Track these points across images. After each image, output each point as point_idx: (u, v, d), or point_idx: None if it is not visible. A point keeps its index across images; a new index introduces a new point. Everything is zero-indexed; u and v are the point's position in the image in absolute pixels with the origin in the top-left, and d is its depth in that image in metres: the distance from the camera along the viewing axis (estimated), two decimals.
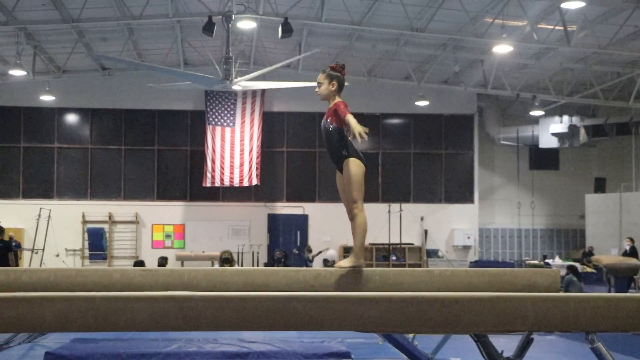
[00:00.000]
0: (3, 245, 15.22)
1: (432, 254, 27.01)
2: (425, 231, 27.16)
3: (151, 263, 20.98)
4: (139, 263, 19.10)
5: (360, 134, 5.69)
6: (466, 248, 27.52)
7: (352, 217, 5.94)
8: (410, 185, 27.68)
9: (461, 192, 27.82)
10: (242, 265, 22.51)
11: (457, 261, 26.71)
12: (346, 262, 5.69)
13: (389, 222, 24.90)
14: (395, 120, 28.05)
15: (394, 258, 25.97)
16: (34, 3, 17.72)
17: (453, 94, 26.54)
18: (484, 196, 28.78)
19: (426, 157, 27.86)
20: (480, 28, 19.59)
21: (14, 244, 23.19)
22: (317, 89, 6.25)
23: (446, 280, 5.68)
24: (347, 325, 4.26)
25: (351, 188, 5.93)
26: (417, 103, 25.90)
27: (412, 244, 26.93)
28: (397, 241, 25.44)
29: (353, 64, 24.48)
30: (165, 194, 26.66)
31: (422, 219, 27.05)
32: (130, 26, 20.55)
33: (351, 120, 5.87)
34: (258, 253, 25.53)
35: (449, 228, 27.50)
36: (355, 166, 5.98)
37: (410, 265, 25.00)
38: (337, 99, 6.21)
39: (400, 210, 25.09)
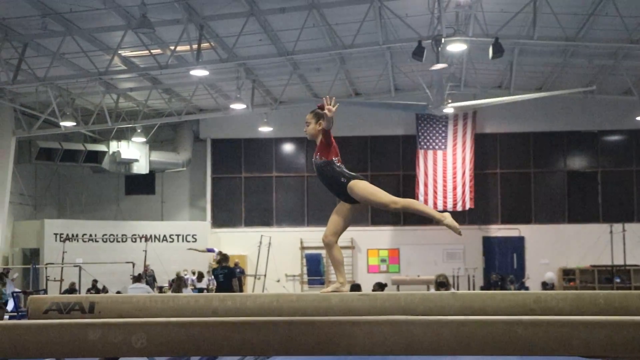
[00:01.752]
0: (228, 271, 15.84)
1: None
2: None
3: (367, 288, 21.22)
4: (355, 287, 19.33)
5: (329, 110, 5.79)
6: None
7: (329, 245, 6.02)
8: (633, 204, 26.30)
9: None
10: (458, 289, 22.26)
11: None
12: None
13: (612, 243, 23.77)
14: (615, 137, 26.83)
15: (618, 280, 24.71)
16: (252, 39, 18.58)
17: None
18: None
19: None
20: None
21: (238, 270, 24.29)
22: (305, 129, 6.21)
23: None
24: (571, 350, 4.09)
25: (376, 199, 5.97)
26: (638, 118, 24.62)
27: (638, 266, 25.49)
28: (621, 263, 24.22)
29: (568, 81, 23.73)
30: (379, 219, 26.94)
31: None
32: (341, 55, 21.04)
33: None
34: (474, 276, 25.18)
35: None
36: (361, 183, 6.03)
37: (637, 288, 23.67)
38: None
39: (624, 230, 23.88)
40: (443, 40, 17.63)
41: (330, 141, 6.12)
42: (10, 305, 19.32)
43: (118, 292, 21.24)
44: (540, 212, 26.58)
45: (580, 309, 5.22)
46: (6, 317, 18.02)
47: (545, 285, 24.29)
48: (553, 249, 25.75)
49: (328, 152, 6.14)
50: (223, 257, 16.38)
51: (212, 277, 21.03)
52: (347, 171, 6.15)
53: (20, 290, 20.44)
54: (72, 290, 20.71)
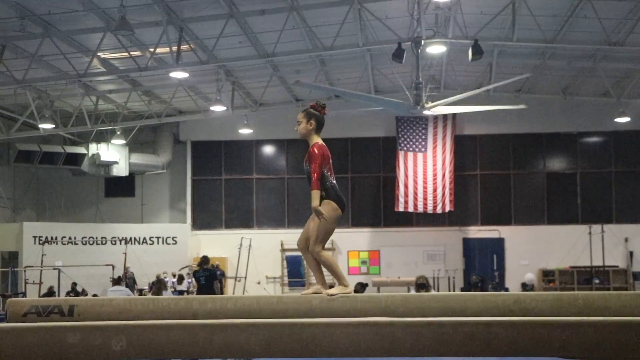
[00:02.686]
0: (210, 274, 15.88)
1: (639, 276, 25.63)
2: (631, 253, 25.81)
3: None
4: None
5: (319, 216, 5.78)
6: None
7: (304, 250, 5.98)
8: (612, 205, 26.47)
9: None
10: (438, 291, 22.32)
11: None
12: (335, 290, 5.65)
13: (590, 244, 23.93)
14: (594, 139, 27.00)
15: (597, 281, 24.88)
16: (232, 41, 18.55)
17: None
18: None
19: (630, 176, 26.57)
20: None
21: (218, 272, 24.25)
22: (296, 128, 6.27)
23: None
24: (550, 351, 4.12)
25: (319, 229, 5.85)
26: (616, 120, 24.78)
27: (617, 267, 25.68)
28: (600, 264, 24.38)
29: (547, 83, 23.87)
30: (359, 221, 26.98)
31: (626, 240, 25.76)
32: (321, 57, 21.05)
33: (314, 197, 5.91)
34: (454, 278, 25.25)
35: None
36: (328, 209, 5.92)
37: (615, 289, 23.83)
38: (315, 139, 6.23)
39: (602, 231, 24.03)
40: (423, 42, 17.71)
41: (320, 167, 6.08)
42: None
43: (94, 295, 21.17)
44: (519, 214, 26.70)
45: (559, 310, 5.25)
46: None
47: (525, 287, 24.41)
48: (532, 250, 25.87)
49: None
50: (204, 260, 16.39)
51: (192, 279, 21.02)
52: (330, 184, 6.08)
53: None
54: (50, 293, 20.59)
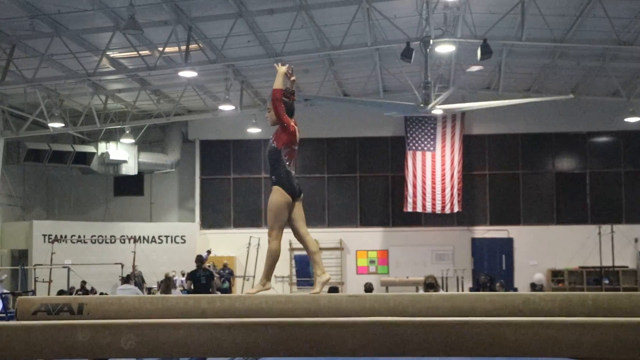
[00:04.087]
0: (209, 274, 16.05)
1: None
2: None
3: (356, 289, 21.26)
4: (333, 289, 19.34)
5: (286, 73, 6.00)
6: None
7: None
8: (621, 205, 26.38)
9: None
10: (446, 290, 22.30)
11: None
12: (253, 289, 6.01)
13: (600, 245, 23.85)
14: (604, 139, 26.92)
15: (606, 282, 24.81)
16: (240, 41, 18.57)
17: None
18: None
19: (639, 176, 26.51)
20: None
21: (227, 271, 24.31)
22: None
23: None
24: (560, 352, 4.11)
25: (268, 216, 6.01)
26: (626, 119, 24.70)
27: (627, 267, 25.59)
28: (609, 264, 24.31)
29: (556, 82, 23.80)
30: (368, 220, 26.98)
31: (636, 240, 25.67)
32: (330, 57, 21.05)
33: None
34: (462, 278, 25.21)
35: None
36: (276, 195, 5.99)
37: (625, 290, 23.74)
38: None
39: (612, 231, 23.96)
40: (431, 41, 17.69)
41: (283, 121, 6.02)
42: None
43: (102, 294, 21.21)
44: (528, 214, 26.64)
45: (568, 310, 5.24)
46: None
47: (533, 287, 24.34)
48: (542, 250, 25.81)
49: (279, 138, 6.07)
50: (200, 259, 16.45)
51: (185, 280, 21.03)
52: (286, 175, 6.04)
53: (8, 292, 20.34)
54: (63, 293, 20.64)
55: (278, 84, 6.04)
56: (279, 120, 6.01)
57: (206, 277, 15.69)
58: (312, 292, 5.85)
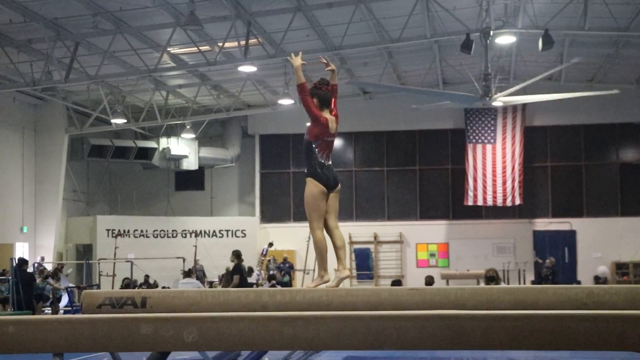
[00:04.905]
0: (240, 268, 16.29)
1: None
2: None
3: (416, 282, 21.17)
4: (396, 282, 19.33)
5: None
6: None
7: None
8: None
9: None
10: (508, 284, 22.07)
11: None
12: (312, 283, 5.90)
13: None
14: None
15: None
16: (299, 35, 18.61)
17: None
18: None
19: None
20: None
21: (287, 265, 24.42)
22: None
23: None
24: (625, 346, 4.03)
25: (306, 209, 6.01)
26: None
27: None
28: None
29: (620, 72, 23.34)
30: (428, 213, 26.84)
31: None
32: (389, 49, 20.97)
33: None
34: (524, 271, 24.93)
35: None
36: (309, 186, 5.99)
37: None
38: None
39: None
40: (492, 32, 17.49)
41: (312, 113, 6.03)
42: (64, 300, 19.69)
43: (164, 287, 21.49)
44: (592, 205, 26.23)
45: (634, 303, 5.14)
46: (61, 311, 18.39)
47: (597, 280, 23.95)
48: (605, 242, 25.39)
49: (310, 131, 6.09)
50: (238, 254, 16.59)
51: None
52: (318, 166, 6.02)
53: (74, 285, 20.79)
54: (127, 285, 20.97)
55: (298, 78, 6.02)
56: (308, 114, 6.03)
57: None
58: (328, 286, 5.85)
